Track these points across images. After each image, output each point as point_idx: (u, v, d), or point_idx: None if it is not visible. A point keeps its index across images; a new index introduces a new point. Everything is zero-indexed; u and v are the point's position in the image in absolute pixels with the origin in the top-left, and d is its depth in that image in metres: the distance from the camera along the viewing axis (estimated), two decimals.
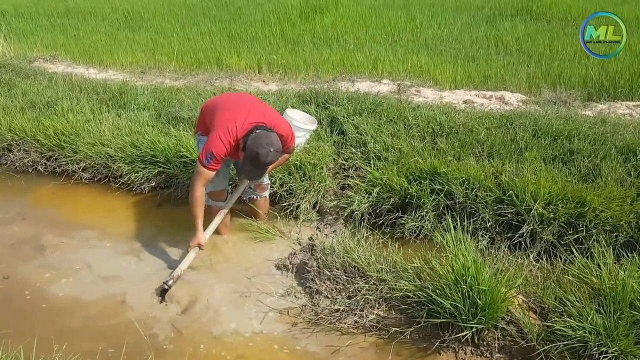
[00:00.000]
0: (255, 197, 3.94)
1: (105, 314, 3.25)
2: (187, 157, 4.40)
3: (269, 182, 3.96)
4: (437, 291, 2.86)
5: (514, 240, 3.49)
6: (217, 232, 3.78)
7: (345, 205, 3.94)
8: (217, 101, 3.62)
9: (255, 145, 3.17)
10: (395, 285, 3.05)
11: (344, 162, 4.36)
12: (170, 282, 3.32)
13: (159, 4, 10.76)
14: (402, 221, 3.75)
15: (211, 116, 3.44)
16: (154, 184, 4.52)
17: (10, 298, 3.42)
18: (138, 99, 5.66)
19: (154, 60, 7.46)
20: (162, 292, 3.34)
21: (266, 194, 3.98)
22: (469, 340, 2.81)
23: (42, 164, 4.96)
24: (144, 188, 4.50)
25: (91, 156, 4.71)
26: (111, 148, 4.69)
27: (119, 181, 4.56)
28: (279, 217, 4.07)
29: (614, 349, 2.52)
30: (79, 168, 4.74)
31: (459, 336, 2.78)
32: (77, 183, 4.73)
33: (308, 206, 4.05)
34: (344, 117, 4.80)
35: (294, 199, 4.03)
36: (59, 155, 4.89)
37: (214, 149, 3.24)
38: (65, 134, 4.94)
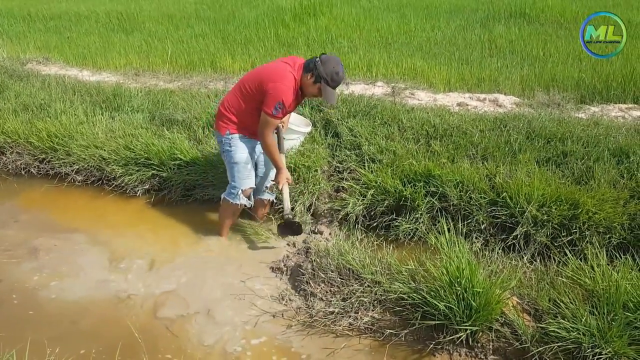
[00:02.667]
0: (269, 197, 3.96)
1: (99, 317, 3.23)
2: (181, 159, 4.39)
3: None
4: (432, 293, 2.86)
5: (508, 242, 3.50)
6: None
7: (340, 208, 3.94)
8: (247, 79, 3.61)
9: (331, 66, 3.34)
10: (390, 287, 3.06)
11: (338, 164, 4.36)
12: (290, 213, 3.62)
13: (153, 7, 10.75)
14: (397, 223, 3.75)
15: (253, 87, 3.48)
16: (147, 186, 4.51)
17: (3, 301, 3.39)
18: (132, 101, 5.65)
19: (148, 63, 7.45)
20: (289, 223, 3.65)
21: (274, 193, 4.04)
22: (464, 342, 2.81)
23: (35, 167, 4.94)
24: (138, 190, 4.48)
25: (84, 159, 4.69)
26: (105, 150, 4.67)
27: (113, 184, 4.54)
28: (273, 220, 4.06)
29: (607, 350, 2.53)
30: (72, 170, 4.72)
31: (453, 338, 2.78)
32: (71, 186, 4.71)
33: (302, 209, 4.05)
34: (338, 119, 4.80)
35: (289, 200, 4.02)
36: (52, 158, 4.87)
37: (283, 96, 3.35)
38: (59, 137, 4.92)
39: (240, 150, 3.61)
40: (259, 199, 3.95)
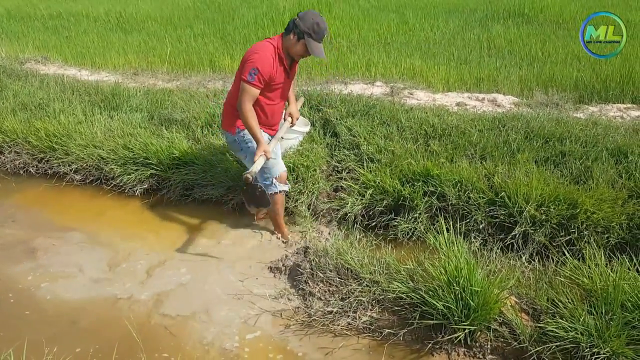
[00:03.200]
0: (277, 191, 3.88)
1: (97, 317, 3.23)
2: (179, 159, 4.39)
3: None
4: (430, 293, 2.86)
5: (506, 242, 3.50)
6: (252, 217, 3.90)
7: (339, 207, 3.94)
8: (237, 70, 3.58)
9: (310, 19, 3.31)
10: (388, 286, 3.06)
11: (337, 164, 4.36)
12: (251, 173, 3.32)
13: (152, 6, 10.74)
14: (395, 223, 3.75)
15: (240, 73, 3.43)
16: (146, 186, 4.51)
17: (0, 301, 3.39)
18: (130, 100, 5.64)
19: (147, 62, 7.44)
20: (246, 185, 3.38)
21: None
22: (462, 341, 2.81)
23: (33, 166, 4.94)
24: (136, 190, 4.48)
25: (83, 158, 4.69)
26: (103, 150, 4.67)
27: (111, 183, 4.54)
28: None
29: (605, 349, 2.53)
30: (70, 170, 4.72)
31: (451, 337, 2.78)
32: (69, 185, 4.71)
33: (301, 208, 4.04)
34: (337, 119, 4.80)
35: (286, 202, 4.02)
36: (50, 157, 4.86)
37: (258, 63, 3.30)
38: (57, 136, 4.92)
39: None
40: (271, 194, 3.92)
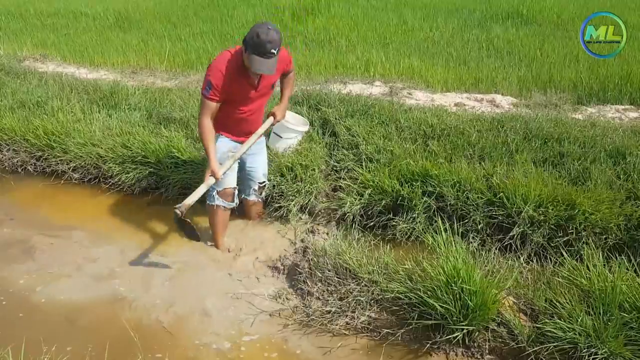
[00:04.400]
0: (256, 199, 3.91)
1: (96, 315, 3.23)
2: (178, 157, 4.38)
3: (267, 182, 3.94)
4: (428, 293, 2.86)
5: (504, 243, 3.51)
6: (214, 235, 3.78)
7: (337, 207, 3.94)
8: None
9: (253, 30, 3.10)
10: (387, 286, 3.06)
11: (336, 163, 4.36)
12: (181, 209, 3.26)
13: (151, 4, 10.71)
14: (394, 223, 3.75)
15: None
16: (144, 184, 4.50)
17: None
18: (129, 99, 5.63)
19: (146, 61, 7.42)
20: (176, 219, 3.34)
21: (263, 194, 3.96)
22: (460, 341, 2.82)
23: (31, 164, 4.92)
24: (135, 189, 4.47)
25: (81, 156, 4.68)
26: (102, 148, 4.66)
27: (110, 182, 4.53)
28: (270, 219, 4.06)
29: (603, 350, 2.54)
30: (69, 168, 4.71)
31: (449, 337, 2.78)
32: (67, 183, 4.70)
33: (299, 208, 4.05)
34: (336, 119, 4.80)
35: (285, 201, 4.02)
36: (48, 155, 4.85)
37: (212, 77, 3.22)
38: (55, 134, 4.91)
39: (218, 151, 3.46)
40: (246, 199, 3.93)
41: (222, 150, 3.51)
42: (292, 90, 3.91)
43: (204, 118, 3.32)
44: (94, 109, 5.44)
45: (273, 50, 3.11)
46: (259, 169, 3.83)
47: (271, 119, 3.72)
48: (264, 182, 3.90)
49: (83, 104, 5.56)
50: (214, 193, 3.60)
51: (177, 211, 3.26)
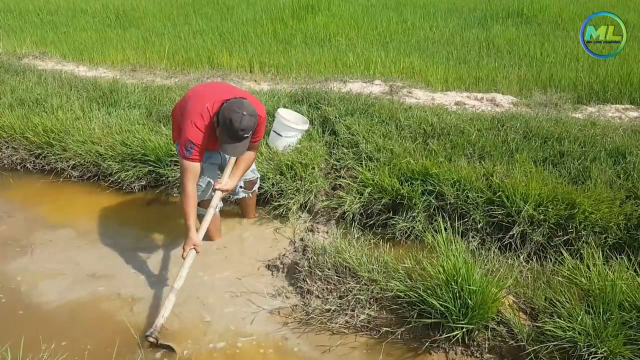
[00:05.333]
0: (245, 195, 3.89)
1: (94, 313, 3.22)
2: (177, 156, 4.38)
3: (258, 176, 3.92)
4: (428, 291, 2.87)
5: (504, 242, 3.51)
6: (208, 237, 3.68)
7: (337, 206, 3.94)
8: (185, 97, 3.34)
9: (227, 111, 2.98)
10: (386, 285, 3.06)
11: (335, 162, 4.36)
12: (154, 334, 2.88)
13: (151, 2, 10.70)
14: (394, 222, 3.75)
15: (182, 111, 3.21)
16: (144, 182, 4.50)
17: None
18: (129, 97, 5.62)
19: (145, 59, 7.41)
20: (150, 342, 2.91)
21: (255, 188, 3.90)
22: (460, 340, 2.82)
23: (30, 162, 4.92)
24: (134, 187, 4.47)
25: (81, 154, 4.68)
26: (101, 146, 4.66)
27: (109, 180, 4.53)
28: (269, 217, 4.06)
29: (603, 349, 2.54)
30: (68, 166, 4.70)
31: (449, 336, 2.78)
32: (66, 181, 4.70)
33: (299, 206, 4.05)
34: (336, 117, 4.80)
35: (285, 200, 4.02)
36: (48, 153, 4.85)
37: (191, 136, 3.06)
38: (55, 132, 4.90)
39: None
40: (236, 198, 3.90)
41: (204, 158, 3.35)
42: (247, 168, 3.48)
43: (190, 184, 3.14)
44: (93, 106, 5.44)
45: (246, 135, 3.07)
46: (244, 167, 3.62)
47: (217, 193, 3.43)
48: (253, 177, 3.80)
49: (82, 102, 5.56)
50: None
51: (151, 339, 2.87)
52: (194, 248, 3.17)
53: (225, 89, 3.30)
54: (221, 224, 3.87)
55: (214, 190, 3.39)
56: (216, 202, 3.40)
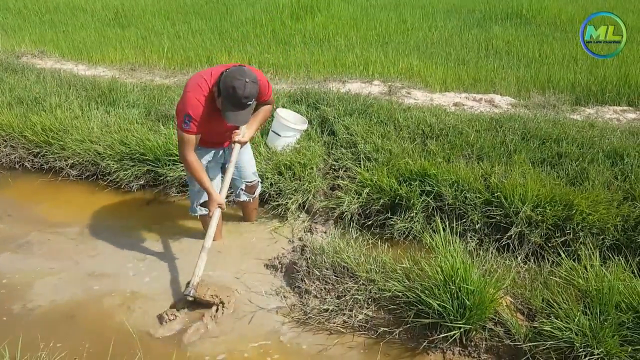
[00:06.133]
0: (247, 199, 3.87)
1: (93, 312, 3.22)
2: (176, 155, 4.38)
3: (259, 180, 3.92)
4: (426, 292, 2.87)
5: (502, 242, 3.52)
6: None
7: (335, 206, 3.95)
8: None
9: (230, 79, 2.91)
10: (384, 285, 3.06)
11: (334, 162, 4.37)
12: (192, 292, 3.05)
13: (150, 1, 10.69)
14: (392, 222, 3.76)
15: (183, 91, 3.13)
16: (142, 182, 4.50)
17: None
18: (127, 96, 5.62)
19: (144, 58, 7.41)
20: (187, 301, 3.17)
21: (256, 193, 3.89)
22: (457, 340, 2.83)
23: (29, 161, 4.91)
24: (133, 186, 4.47)
25: (79, 153, 4.67)
26: (100, 145, 4.66)
27: (108, 179, 4.53)
28: (268, 217, 4.06)
29: (599, 350, 2.55)
30: (66, 165, 4.70)
31: (447, 336, 2.79)
32: (65, 180, 4.69)
33: (297, 206, 4.05)
34: (334, 117, 4.81)
35: (283, 199, 4.03)
36: (46, 152, 4.84)
37: (190, 109, 3.00)
38: (53, 131, 4.90)
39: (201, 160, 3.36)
40: (237, 200, 3.88)
41: (207, 159, 3.43)
42: (265, 119, 3.53)
43: (189, 154, 3.13)
44: (92, 105, 5.44)
45: (249, 102, 3.01)
46: (246, 167, 3.68)
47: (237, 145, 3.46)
48: (254, 180, 3.77)
49: (81, 101, 5.55)
50: (194, 206, 3.59)
51: (189, 297, 3.08)
52: (219, 207, 3.27)
53: (220, 65, 3.22)
54: (222, 225, 3.86)
55: (233, 142, 3.35)
56: (235, 157, 3.37)
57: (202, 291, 3.14)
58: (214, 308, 3.15)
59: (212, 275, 3.42)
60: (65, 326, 3.11)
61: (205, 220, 3.66)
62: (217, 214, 3.25)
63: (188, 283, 3.09)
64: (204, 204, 3.56)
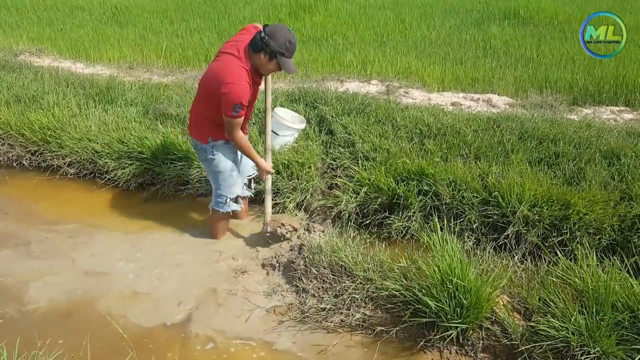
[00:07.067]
0: (249, 194, 3.92)
1: (91, 311, 3.22)
2: (174, 153, 4.38)
3: (257, 173, 3.93)
4: (423, 291, 2.88)
5: (499, 242, 3.53)
6: (212, 236, 3.83)
7: (333, 205, 3.95)
8: (208, 83, 3.37)
9: (280, 37, 3.15)
10: (382, 284, 3.07)
11: (332, 161, 4.37)
12: (270, 227, 3.68)
13: (148, 0, 10.68)
14: (390, 221, 3.77)
15: (216, 91, 3.23)
16: (140, 180, 4.50)
17: None
18: (125, 94, 5.61)
19: (142, 56, 7.41)
20: (273, 238, 3.70)
21: (253, 188, 3.99)
22: (454, 339, 2.84)
23: (26, 159, 4.91)
24: (131, 184, 4.47)
25: (77, 151, 4.67)
26: (98, 143, 4.65)
27: (105, 177, 4.53)
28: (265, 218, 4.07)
29: (595, 349, 2.56)
30: (64, 163, 4.70)
31: (444, 335, 2.80)
32: (63, 178, 4.69)
33: (295, 205, 4.06)
34: (332, 116, 4.81)
35: (281, 198, 4.03)
36: (44, 150, 4.84)
37: (242, 98, 3.19)
38: (51, 129, 4.89)
39: (224, 157, 3.52)
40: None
41: (229, 158, 3.57)
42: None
43: (238, 133, 3.37)
44: (90, 104, 5.43)
45: None
46: (247, 163, 3.81)
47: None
48: (253, 173, 3.90)
49: (79, 99, 5.54)
50: (227, 202, 3.66)
51: (268, 234, 3.69)
52: (268, 173, 3.65)
53: (231, 49, 3.29)
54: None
55: (267, 174, 3.68)
56: (270, 186, 3.77)
57: (275, 225, 3.70)
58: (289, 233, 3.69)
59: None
60: (62, 324, 3.11)
61: (226, 218, 3.79)
62: (269, 179, 3.70)
63: (264, 224, 3.72)
64: (237, 200, 3.69)
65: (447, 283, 2.83)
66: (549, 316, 2.77)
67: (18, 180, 4.78)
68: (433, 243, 3.15)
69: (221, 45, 3.41)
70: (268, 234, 3.69)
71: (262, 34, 3.15)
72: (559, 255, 3.21)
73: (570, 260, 3.15)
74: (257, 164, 3.60)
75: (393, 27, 8.33)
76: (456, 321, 2.77)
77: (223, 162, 3.53)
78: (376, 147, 4.31)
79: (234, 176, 3.62)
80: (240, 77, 3.20)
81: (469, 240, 3.54)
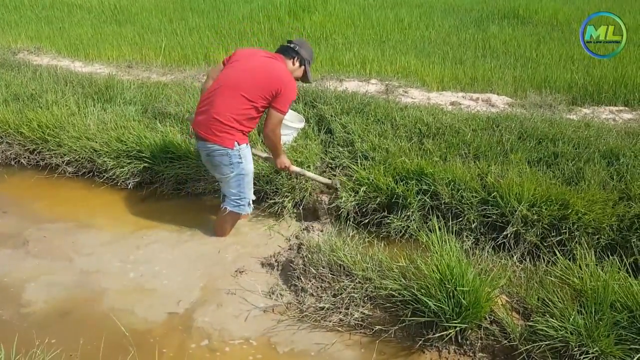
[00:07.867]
0: (248, 212, 3.93)
1: (90, 310, 3.21)
2: (173, 152, 4.38)
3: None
4: (422, 290, 2.87)
5: (498, 241, 3.52)
6: (215, 234, 3.90)
7: (332, 204, 3.95)
8: (248, 85, 3.49)
9: (308, 47, 3.80)
10: (381, 284, 3.07)
11: (331, 160, 4.37)
12: (338, 184, 3.97)
13: None
14: (388, 221, 3.76)
15: (265, 93, 3.48)
16: (139, 179, 4.49)
17: None
18: (124, 93, 5.60)
19: (141, 55, 7.39)
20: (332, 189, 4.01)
21: None
22: (453, 339, 2.83)
23: (25, 157, 4.90)
24: (129, 183, 4.46)
25: (76, 150, 4.66)
26: (96, 142, 4.65)
27: (104, 176, 4.52)
28: (264, 215, 4.06)
29: (594, 349, 2.56)
30: (63, 162, 4.69)
31: (442, 335, 2.79)
32: (61, 177, 4.68)
33: (294, 204, 4.05)
34: (331, 116, 4.80)
35: (280, 197, 4.03)
36: (42, 149, 4.83)
37: (295, 94, 3.57)
38: (50, 127, 4.88)
39: (249, 160, 3.66)
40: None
41: (251, 160, 3.72)
42: None
43: (278, 129, 3.60)
44: (88, 102, 5.42)
45: None
46: None
47: None
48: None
49: (78, 98, 5.53)
50: (249, 202, 3.77)
51: (339, 186, 3.99)
52: (286, 170, 3.88)
53: (270, 55, 3.70)
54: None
55: (285, 169, 3.90)
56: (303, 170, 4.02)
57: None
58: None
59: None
60: (60, 323, 3.11)
61: (231, 220, 3.83)
62: (297, 168, 3.94)
63: (329, 186, 4.03)
64: (251, 203, 3.83)
65: (446, 283, 2.82)
66: (547, 316, 2.76)
67: (16, 179, 4.77)
68: (432, 242, 3.15)
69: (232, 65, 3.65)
70: (339, 186, 3.95)
71: (293, 44, 3.71)
72: (558, 255, 3.21)
73: (569, 260, 3.15)
74: (278, 159, 3.75)
75: (392, 27, 8.32)
76: (455, 321, 2.77)
77: (249, 164, 3.65)
78: (375, 146, 4.31)
79: (252, 178, 3.75)
80: (293, 79, 3.60)
81: (468, 240, 3.54)
